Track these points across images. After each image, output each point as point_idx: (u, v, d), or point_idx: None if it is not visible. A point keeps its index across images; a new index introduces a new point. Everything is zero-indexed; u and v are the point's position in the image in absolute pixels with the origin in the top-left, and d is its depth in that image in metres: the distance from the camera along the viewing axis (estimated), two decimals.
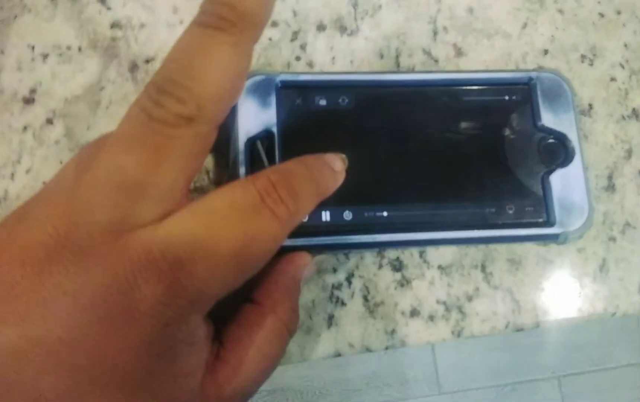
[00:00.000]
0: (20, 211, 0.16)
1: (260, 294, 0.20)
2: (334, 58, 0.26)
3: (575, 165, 0.24)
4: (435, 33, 0.27)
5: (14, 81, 0.24)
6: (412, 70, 0.26)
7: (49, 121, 0.24)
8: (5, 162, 0.23)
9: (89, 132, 0.24)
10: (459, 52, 0.27)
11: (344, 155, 0.22)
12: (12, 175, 0.23)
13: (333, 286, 0.24)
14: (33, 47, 0.25)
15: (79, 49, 0.25)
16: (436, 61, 0.26)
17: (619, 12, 0.28)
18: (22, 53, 0.24)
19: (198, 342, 0.16)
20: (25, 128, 0.24)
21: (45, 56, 0.24)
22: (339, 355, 0.23)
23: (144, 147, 0.15)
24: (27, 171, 0.23)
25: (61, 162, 0.24)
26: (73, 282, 0.14)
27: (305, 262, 0.21)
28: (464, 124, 0.25)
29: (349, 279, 0.24)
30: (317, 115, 0.24)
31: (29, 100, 0.24)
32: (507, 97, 0.25)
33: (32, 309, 0.14)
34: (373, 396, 1.00)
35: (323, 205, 0.21)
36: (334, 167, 0.20)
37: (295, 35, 0.26)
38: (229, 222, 0.15)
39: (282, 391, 1.00)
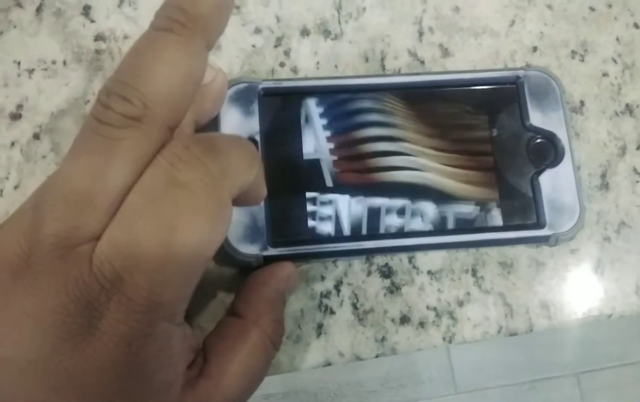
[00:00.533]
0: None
1: (243, 307, 0.20)
2: (318, 63, 0.26)
3: (566, 164, 0.24)
4: (420, 34, 0.26)
5: (1, 97, 0.24)
6: (396, 73, 0.25)
7: (36, 136, 0.24)
8: None
9: None
10: (446, 53, 0.26)
11: None
12: (1, 191, 0.23)
13: (321, 294, 0.24)
14: (19, 63, 0.25)
15: (64, 62, 0.25)
16: (422, 62, 0.26)
17: (610, 5, 0.27)
18: (8, 69, 0.25)
19: (172, 355, 0.16)
20: (12, 144, 0.24)
21: (30, 71, 0.25)
22: (329, 364, 0.23)
23: (90, 152, 0.15)
24: (16, 187, 0.24)
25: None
26: (33, 302, 0.14)
27: (288, 273, 0.21)
28: (451, 126, 0.24)
29: (337, 287, 0.24)
30: (299, 121, 0.24)
31: (15, 116, 0.24)
32: (494, 97, 0.25)
33: (1, 329, 0.14)
34: (388, 397, 0.99)
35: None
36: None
37: (279, 41, 0.26)
38: (143, 217, 0.14)
39: (295, 394, 1.00)
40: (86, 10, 0.25)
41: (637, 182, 0.26)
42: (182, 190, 0.14)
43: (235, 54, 0.25)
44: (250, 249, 0.22)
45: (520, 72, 0.25)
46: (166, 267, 0.14)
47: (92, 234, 0.14)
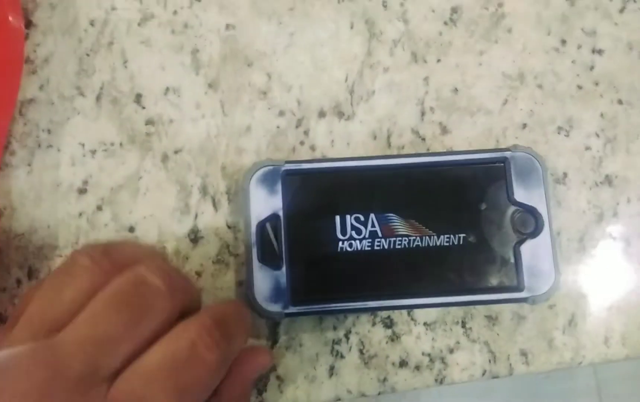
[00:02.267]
0: (4, 353, 0.18)
1: (221, 385, 0.22)
2: (333, 141, 0.30)
3: (544, 235, 0.28)
4: (422, 113, 0.30)
5: (70, 175, 0.29)
6: (399, 155, 0.29)
7: (99, 208, 0.29)
8: (66, 244, 0.29)
9: (130, 216, 0.29)
10: (444, 130, 0.30)
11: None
12: None
13: (333, 341, 0.28)
14: (83, 145, 0.30)
15: (120, 144, 0.30)
16: (423, 139, 0.30)
17: (596, 83, 0.31)
18: (74, 150, 0.30)
19: None
20: (80, 214, 0.29)
21: (93, 152, 0.30)
22: (339, 400, 0.28)
23: (129, 307, 0.19)
24: None
25: None
26: None
27: (265, 364, 0.25)
28: (445, 200, 0.28)
29: (347, 336, 0.28)
30: (316, 197, 0.28)
31: (82, 191, 0.29)
32: (484, 175, 0.28)
33: None
34: None
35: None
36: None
37: (299, 122, 0.30)
38: (161, 379, 0.18)
39: None
40: (138, 98, 0.30)
41: (611, 245, 0.29)
42: (199, 364, 0.19)
43: (262, 134, 0.30)
44: (274, 307, 0.27)
45: (508, 153, 0.28)
46: None
47: (109, 374, 0.18)
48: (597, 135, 0.30)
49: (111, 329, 0.18)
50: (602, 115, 0.30)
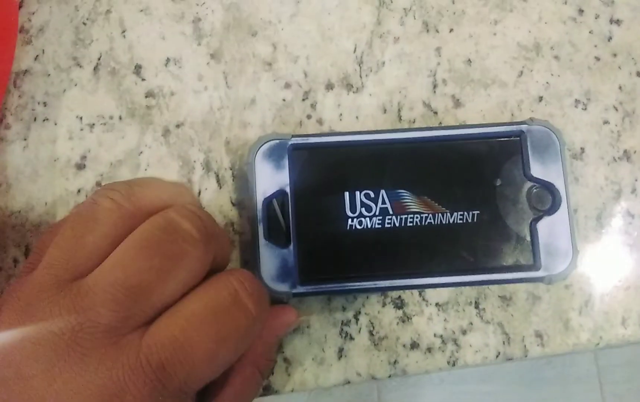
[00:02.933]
0: (27, 296, 0.18)
1: None
2: (341, 115, 0.29)
3: (562, 212, 0.27)
4: (434, 86, 0.29)
5: (67, 149, 0.28)
6: (411, 128, 0.28)
7: (98, 184, 0.28)
8: None
9: None
10: (457, 103, 0.29)
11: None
12: None
13: (342, 323, 0.27)
14: (81, 118, 0.28)
15: (120, 117, 0.29)
16: (435, 113, 0.29)
17: (615, 55, 0.29)
18: (71, 123, 0.28)
19: None
20: (79, 191, 0.28)
21: (91, 126, 0.28)
22: (348, 382, 0.27)
23: (162, 254, 0.18)
24: None
25: None
26: (78, 381, 0.16)
27: (290, 322, 0.25)
28: (459, 176, 0.27)
29: (356, 317, 0.27)
30: (324, 173, 0.27)
31: (80, 166, 0.28)
32: (499, 150, 0.27)
33: (47, 401, 0.16)
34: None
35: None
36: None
37: (306, 95, 0.29)
38: (203, 326, 0.17)
39: None
40: (137, 69, 0.29)
41: (630, 223, 0.28)
42: (242, 313, 0.18)
43: (268, 107, 0.29)
44: (281, 287, 0.26)
45: (524, 127, 0.27)
46: (206, 368, 0.18)
47: (140, 324, 0.17)
48: (616, 109, 0.29)
49: (142, 276, 0.17)
50: (620, 87, 0.29)
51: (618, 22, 0.30)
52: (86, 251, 0.18)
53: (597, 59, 0.29)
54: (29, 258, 0.21)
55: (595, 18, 0.30)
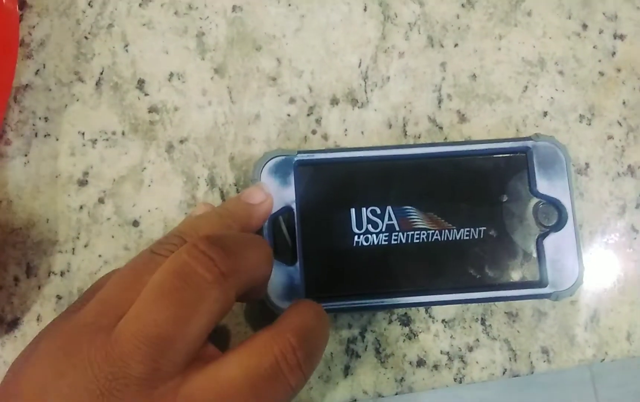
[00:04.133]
0: (69, 334, 0.18)
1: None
2: (346, 130, 0.29)
3: (568, 228, 0.27)
4: (440, 101, 0.29)
5: (69, 165, 0.28)
6: (417, 144, 0.28)
7: (101, 200, 0.28)
8: (66, 239, 0.27)
9: (134, 209, 0.28)
10: (463, 118, 0.29)
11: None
12: (73, 250, 0.27)
13: (349, 340, 0.27)
14: (83, 134, 0.28)
15: (123, 133, 0.28)
16: (440, 128, 0.29)
17: (619, 70, 0.29)
18: (73, 139, 0.28)
19: None
20: (81, 207, 0.28)
21: (94, 141, 0.28)
22: (354, 400, 0.27)
23: (179, 302, 0.17)
24: (85, 246, 0.27)
25: (112, 237, 0.27)
26: None
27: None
28: (465, 192, 0.27)
29: (362, 334, 0.27)
30: (331, 189, 0.27)
31: (82, 183, 0.28)
32: (505, 165, 0.27)
33: None
34: None
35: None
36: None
37: (311, 110, 0.29)
38: (242, 396, 0.17)
39: None
40: (140, 84, 0.28)
41: (634, 238, 0.28)
42: (281, 386, 0.18)
43: (272, 122, 0.28)
44: (287, 304, 0.25)
45: (530, 143, 0.27)
46: None
47: (172, 374, 0.17)
48: (620, 124, 0.29)
49: (160, 328, 0.17)
50: (624, 103, 0.29)
51: (622, 37, 0.30)
52: (130, 299, 0.18)
53: (601, 74, 0.29)
54: (81, 296, 0.21)
55: (599, 33, 0.30)
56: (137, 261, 0.20)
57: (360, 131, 0.29)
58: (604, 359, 0.28)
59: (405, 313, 0.28)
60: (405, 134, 0.29)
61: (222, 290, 0.18)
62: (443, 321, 0.28)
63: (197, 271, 0.18)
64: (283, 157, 0.27)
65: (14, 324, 0.27)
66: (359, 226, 0.27)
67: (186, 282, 0.18)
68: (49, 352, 0.18)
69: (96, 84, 0.28)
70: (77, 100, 0.28)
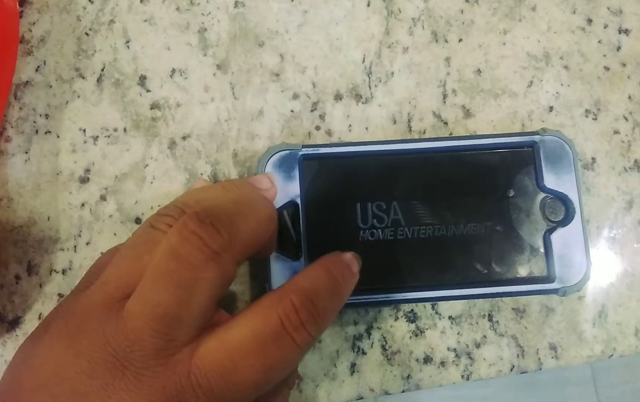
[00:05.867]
0: (81, 313, 0.19)
1: None
2: (350, 126, 0.28)
3: (576, 223, 0.26)
4: (444, 96, 0.29)
5: (70, 162, 0.27)
6: (423, 139, 0.28)
7: (103, 198, 0.27)
8: (68, 236, 0.27)
9: (137, 206, 0.27)
10: (467, 114, 0.29)
11: (358, 255, 0.23)
12: (75, 247, 0.27)
13: (354, 337, 0.27)
14: (84, 131, 0.28)
15: (124, 130, 0.28)
16: (445, 123, 0.28)
17: (624, 64, 0.29)
18: (74, 136, 0.28)
19: None
20: (83, 205, 0.27)
21: (95, 138, 0.28)
22: (361, 398, 0.27)
23: (177, 286, 0.18)
24: (87, 243, 0.27)
25: (115, 234, 0.27)
26: (132, 398, 0.17)
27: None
28: (471, 187, 0.27)
29: (368, 331, 0.27)
30: (336, 184, 0.27)
31: (84, 180, 0.27)
32: (512, 160, 0.27)
33: None
34: None
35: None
36: (353, 269, 0.22)
37: (314, 106, 0.28)
38: (250, 355, 0.18)
39: None
40: (142, 80, 0.28)
41: None
42: (287, 345, 0.19)
43: (276, 118, 0.28)
44: None
45: (537, 137, 0.27)
46: (252, 392, 0.18)
47: (186, 341, 0.18)
48: (626, 119, 0.29)
49: (164, 308, 0.18)
50: (630, 97, 0.29)
51: (627, 31, 0.30)
52: (140, 271, 0.19)
53: (607, 68, 0.29)
54: (86, 276, 0.21)
55: (604, 27, 0.30)
56: (136, 240, 0.20)
57: (364, 127, 0.28)
58: (612, 355, 0.27)
59: (412, 310, 0.27)
60: (410, 130, 0.28)
61: (217, 267, 0.18)
62: (450, 317, 0.27)
63: (190, 252, 0.18)
64: (288, 152, 0.26)
65: (15, 322, 0.26)
66: (365, 221, 0.26)
67: (180, 264, 0.18)
68: (62, 331, 0.18)
69: (97, 81, 0.28)
70: (78, 96, 0.28)
